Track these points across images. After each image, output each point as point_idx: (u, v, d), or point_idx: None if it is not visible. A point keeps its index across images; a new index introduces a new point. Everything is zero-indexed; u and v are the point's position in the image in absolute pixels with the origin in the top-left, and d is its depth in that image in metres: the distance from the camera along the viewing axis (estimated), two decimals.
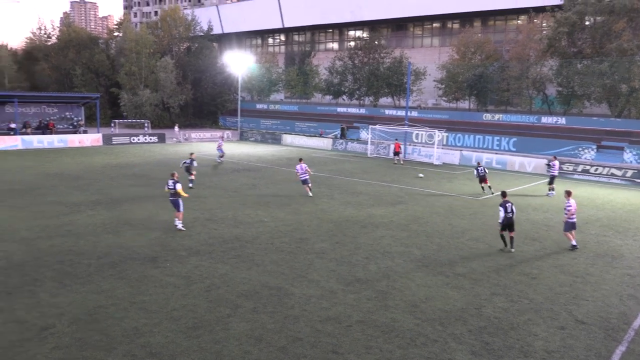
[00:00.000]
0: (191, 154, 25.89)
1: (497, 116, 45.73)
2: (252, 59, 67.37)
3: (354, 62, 63.93)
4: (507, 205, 14.35)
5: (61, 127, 48.07)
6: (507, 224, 14.43)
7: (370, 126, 44.41)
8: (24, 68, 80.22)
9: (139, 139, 49.19)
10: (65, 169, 29.25)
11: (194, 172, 24.63)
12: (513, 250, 14.60)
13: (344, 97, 66.93)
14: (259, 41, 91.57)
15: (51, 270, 11.97)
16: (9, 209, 18.31)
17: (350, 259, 13.53)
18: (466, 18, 64.03)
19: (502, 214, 14.21)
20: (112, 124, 56.89)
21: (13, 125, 43.70)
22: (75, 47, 78.10)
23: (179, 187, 16.08)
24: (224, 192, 22.92)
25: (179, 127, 58.46)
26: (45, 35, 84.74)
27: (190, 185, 23.68)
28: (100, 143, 45.51)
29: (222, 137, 50.24)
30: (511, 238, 14.71)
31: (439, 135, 38.84)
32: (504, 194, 14.85)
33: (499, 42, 58.29)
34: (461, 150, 38.30)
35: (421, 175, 29.82)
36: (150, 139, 49.94)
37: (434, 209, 20.30)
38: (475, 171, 24.14)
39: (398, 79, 58.96)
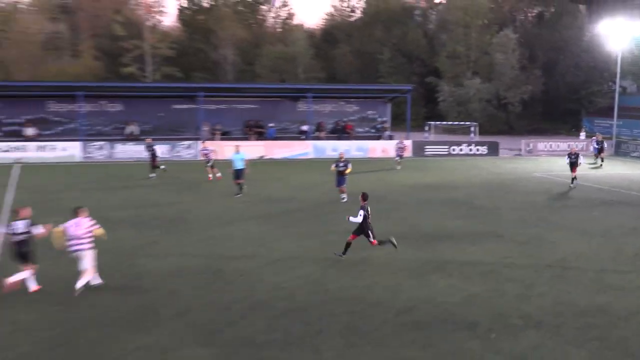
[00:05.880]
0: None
1: None
2: None
3: None
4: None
5: (361, 130, 53.72)
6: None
7: None
8: (322, 53, 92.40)
9: (461, 150, 51.51)
10: (363, 188, 32.35)
11: None
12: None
13: None
14: None
15: (338, 322, 13.42)
16: (293, 236, 21.38)
17: None
18: None
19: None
20: (426, 128, 60.89)
21: (305, 127, 50.90)
22: (383, 23, 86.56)
23: (350, 166, 28.02)
24: (583, 236, 22.04)
25: (586, 134, 58.27)
26: (349, 10, 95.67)
27: None
28: (410, 153, 49.18)
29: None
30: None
31: None
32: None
33: None
34: None
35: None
36: (478, 150, 51.69)
37: None
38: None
39: None
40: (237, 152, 30.01)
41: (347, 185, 28.14)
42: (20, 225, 14.94)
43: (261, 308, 14.18)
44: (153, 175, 35.12)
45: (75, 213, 15.25)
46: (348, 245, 18.37)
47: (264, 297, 14.89)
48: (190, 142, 47.69)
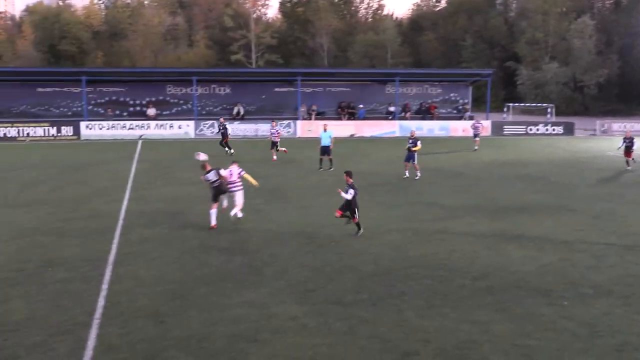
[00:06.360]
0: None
1: None
2: None
3: None
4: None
5: (443, 111, 52.92)
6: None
7: None
8: (409, 40, 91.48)
9: (537, 129, 50.21)
10: (444, 164, 32.11)
11: None
12: None
13: None
14: None
15: (419, 285, 13.32)
16: (379, 206, 21.30)
17: None
18: None
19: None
20: (505, 109, 59.35)
21: (392, 109, 50.58)
22: (466, 12, 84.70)
23: (419, 144, 27.02)
24: None
25: None
26: (434, 0, 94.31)
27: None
28: (489, 132, 48.18)
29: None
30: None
31: None
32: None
33: None
34: None
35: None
36: (554, 130, 50.32)
37: None
38: None
39: None
40: (325, 130, 30.01)
41: (417, 162, 27.32)
42: (212, 175, 18.20)
43: (349, 271, 14.22)
44: (232, 151, 34.50)
45: (232, 163, 18.92)
46: (358, 223, 17.15)
47: (352, 261, 14.92)
48: (289, 121, 48.18)
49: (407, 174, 27.11)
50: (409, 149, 27.32)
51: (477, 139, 39.40)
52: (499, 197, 23.13)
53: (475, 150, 38.28)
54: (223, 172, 18.39)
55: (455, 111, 53.31)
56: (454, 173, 29.08)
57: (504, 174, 29.02)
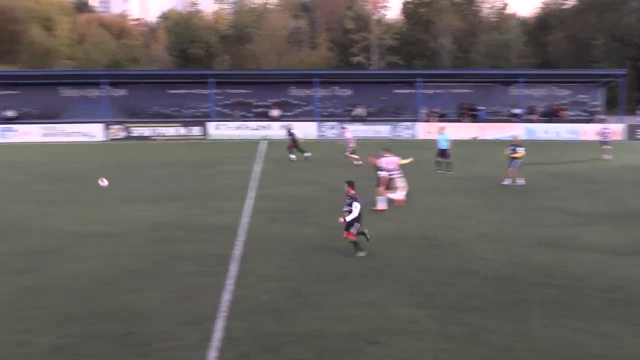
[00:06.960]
0: None
1: None
2: None
3: None
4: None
5: (572, 113, 50.68)
6: None
7: None
8: (535, 40, 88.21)
9: None
10: (571, 168, 30.71)
11: None
12: None
13: None
14: None
15: (544, 294, 12.77)
16: (501, 211, 20.70)
17: None
18: None
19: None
20: (638, 111, 55.91)
21: (517, 111, 49.02)
22: (597, 9, 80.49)
23: (520, 150, 25.73)
24: None
25: None
26: None
27: None
28: (622, 137, 45.70)
29: None
30: None
31: None
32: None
33: None
34: None
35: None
36: None
37: None
38: None
39: None
40: (441, 133, 29.47)
41: (519, 168, 25.86)
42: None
43: (470, 276, 13.89)
44: (293, 156, 34.06)
45: (385, 152, 21.41)
46: (356, 242, 15.33)
47: (473, 266, 14.57)
48: (409, 123, 47.85)
49: (508, 181, 25.74)
50: (509, 156, 26.06)
51: (607, 146, 34.95)
52: (633, 204, 21.81)
53: (607, 159, 34.17)
54: (381, 162, 21.03)
55: (584, 113, 50.87)
56: (582, 178, 27.74)
57: (638, 179, 27.32)
